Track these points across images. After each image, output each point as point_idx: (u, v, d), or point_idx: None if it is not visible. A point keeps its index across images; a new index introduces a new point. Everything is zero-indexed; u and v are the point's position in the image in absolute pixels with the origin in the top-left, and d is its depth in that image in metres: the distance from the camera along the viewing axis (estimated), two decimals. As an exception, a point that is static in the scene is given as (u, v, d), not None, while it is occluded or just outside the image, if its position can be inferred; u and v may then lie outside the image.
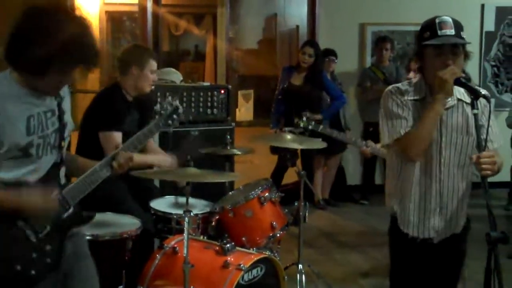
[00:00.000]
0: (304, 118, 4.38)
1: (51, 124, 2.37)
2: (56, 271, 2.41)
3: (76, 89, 9.63)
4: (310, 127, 4.40)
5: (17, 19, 2.23)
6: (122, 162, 2.53)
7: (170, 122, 2.73)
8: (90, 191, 2.50)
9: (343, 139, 4.80)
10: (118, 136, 3.71)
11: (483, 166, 2.35)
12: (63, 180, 2.47)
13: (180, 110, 2.78)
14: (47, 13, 2.22)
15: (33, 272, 2.30)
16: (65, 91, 2.49)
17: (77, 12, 2.32)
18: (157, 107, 2.71)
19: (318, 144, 4.25)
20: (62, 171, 2.46)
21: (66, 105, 2.49)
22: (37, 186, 2.31)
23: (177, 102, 2.76)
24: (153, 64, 3.99)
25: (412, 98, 2.68)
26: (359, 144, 4.44)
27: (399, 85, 2.75)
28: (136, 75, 3.92)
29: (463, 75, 2.56)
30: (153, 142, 4.38)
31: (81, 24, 2.27)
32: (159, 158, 3.93)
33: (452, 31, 2.57)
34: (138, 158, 3.91)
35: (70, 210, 2.43)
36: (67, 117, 2.48)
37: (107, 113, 3.78)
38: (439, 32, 2.57)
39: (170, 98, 2.77)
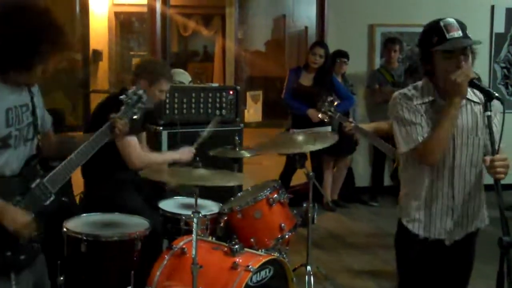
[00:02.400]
0: (327, 103, 4.51)
1: (26, 117, 2.47)
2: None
3: (90, 90, 9.73)
4: (329, 112, 4.51)
5: None
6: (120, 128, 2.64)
7: (135, 110, 2.75)
8: (69, 176, 2.60)
9: (339, 119, 4.85)
10: (134, 139, 3.73)
11: (497, 169, 2.34)
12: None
13: (144, 98, 2.80)
14: (14, 12, 2.33)
15: (22, 257, 2.41)
16: (35, 89, 2.59)
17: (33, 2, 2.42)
18: (123, 97, 2.74)
19: (329, 140, 4.21)
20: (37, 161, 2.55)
21: (38, 100, 2.58)
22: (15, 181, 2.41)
23: (141, 91, 2.79)
24: (164, 84, 3.95)
25: (420, 102, 2.64)
26: (344, 120, 4.52)
27: (405, 90, 2.71)
28: (143, 89, 3.88)
29: (476, 76, 2.53)
30: (145, 144, 4.36)
31: (46, 12, 2.40)
32: (179, 154, 4.01)
33: (459, 33, 2.55)
34: (161, 157, 4.05)
35: (52, 197, 2.48)
36: (40, 111, 2.58)
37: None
38: (447, 36, 2.54)
39: (134, 87, 2.81)
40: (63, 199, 2.59)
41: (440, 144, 2.56)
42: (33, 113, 2.52)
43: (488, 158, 2.39)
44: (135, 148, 3.76)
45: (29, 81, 2.48)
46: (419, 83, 2.72)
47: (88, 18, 10.19)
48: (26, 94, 2.50)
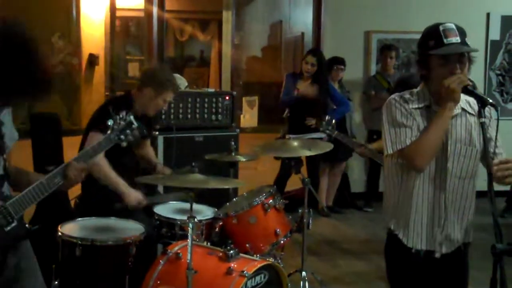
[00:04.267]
0: (324, 122, 4.50)
1: None
2: None
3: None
4: (327, 131, 4.50)
5: None
6: (74, 173, 2.42)
7: (122, 137, 2.58)
8: (35, 204, 2.39)
9: (344, 140, 4.82)
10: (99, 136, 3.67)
11: (505, 172, 2.35)
12: (7, 192, 2.37)
13: (135, 125, 2.61)
14: None
15: None
16: None
17: (26, 36, 2.17)
18: (110, 121, 2.58)
19: (325, 147, 4.24)
20: (6, 184, 2.38)
21: (5, 116, 2.39)
22: None
23: (131, 117, 2.60)
24: (169, 95, 3.98)
25: (416, 106, 2.62)
26: (356, 145, 4.50)
27: (401, 94, 2.68)
28: (148, 97, 3.93)
29: (470, 83, 2.50)
30: (151, 148, 4.38)
31: (26, 52, 2.16)
32: (128, 193, 3.72)
33: (458, 39, 2.51)
34: (112, 179, 3.75)
35: (14, 223, 2.32)
36: (6, 129, 2.39)
37: (101, 114, 3.76)
38: (445, 41, 2.50)
39: (124, 112, 2.61)
40: (27, 225, 2.40)
41: (429, 148, 2.53)
42: None
43: (495, 166, 2.36)
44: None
45: None
46: (415, 89, 2.70)
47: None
48: None
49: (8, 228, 2.31)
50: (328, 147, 4.25)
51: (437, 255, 2.68)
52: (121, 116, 2.59)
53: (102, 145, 2.56)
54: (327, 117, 4.59)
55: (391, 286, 2.85)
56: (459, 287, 2.79)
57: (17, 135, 2.53)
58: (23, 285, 2.45)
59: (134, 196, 3.71)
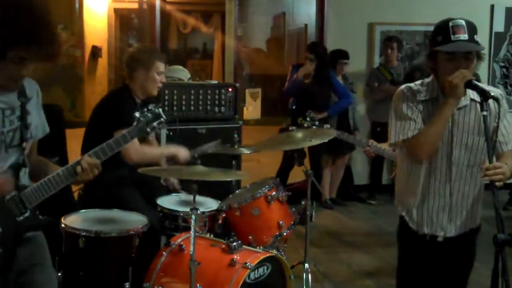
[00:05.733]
0: (308, 118, 4.42)
1: (9, 122, 2.29)
2: (7, 274, 2.32)
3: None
4: (314, 126, 4.42)
5: None
6: (85, 167, 2.37)
7: (148, 129, 2.50)
8: (51, 195, 2.36)
9: (347, 139, 4.77)
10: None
11: (492, 177, 2.37)
12: (25, 182, 2.37)
13: (163, 118, 2.53)
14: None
15: None
16: (33, 92, 2.41)
17: None
18: (137, 113, 2.52)
19: (327, 135, 4.17)
20: (23, 172, 2.37)
21: (33, 106, 2.40)
22: None
23: (159, 110, 2.52)
24: (160, 66, 3.97)
25: (424, 98, 2.67)
26: (362, 145, 4.44)
27: (411, 85, 2.73)
28: (142, 78, 3.92)
29: (473, 77, 2.52)
30: (154, 140, 4.39)
31: (38, 9, 2.18)
32: (176, 149, 3.97)
33: (465, 36, 2.53)
34: (157, 151, 4.03)
35: (27, 213, 2.31)
36: (33, 119, 2.40)
37: (118, 113, 3.74)
38: (452, 37, 2.53)
39: (153, 105, 2.55)
40: (41, 217, 2.37)
41: (429, 141, 2.59)
42: (22, 118, 2.32)
43: (484, 167, 2.42)
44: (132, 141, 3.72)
45: (1, 80, 2.23)
46: (427, 79, 2.73)
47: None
48: (13, 98, 2.30)
49: (21, 218, 2.30)
50: (330, 134, 4.20)
51: (440, 239, 2.76)
52: (149, 107, 2.53)
53: (126, 138, 2.48)
54: (311, 113, 4.51)
55: (399, 265, 2.96)
56: (463, 271, 2.87)
57: (44, 131, 2.53)
58: (34, 280, 2.43)
59: (182, 152, 3.91)
